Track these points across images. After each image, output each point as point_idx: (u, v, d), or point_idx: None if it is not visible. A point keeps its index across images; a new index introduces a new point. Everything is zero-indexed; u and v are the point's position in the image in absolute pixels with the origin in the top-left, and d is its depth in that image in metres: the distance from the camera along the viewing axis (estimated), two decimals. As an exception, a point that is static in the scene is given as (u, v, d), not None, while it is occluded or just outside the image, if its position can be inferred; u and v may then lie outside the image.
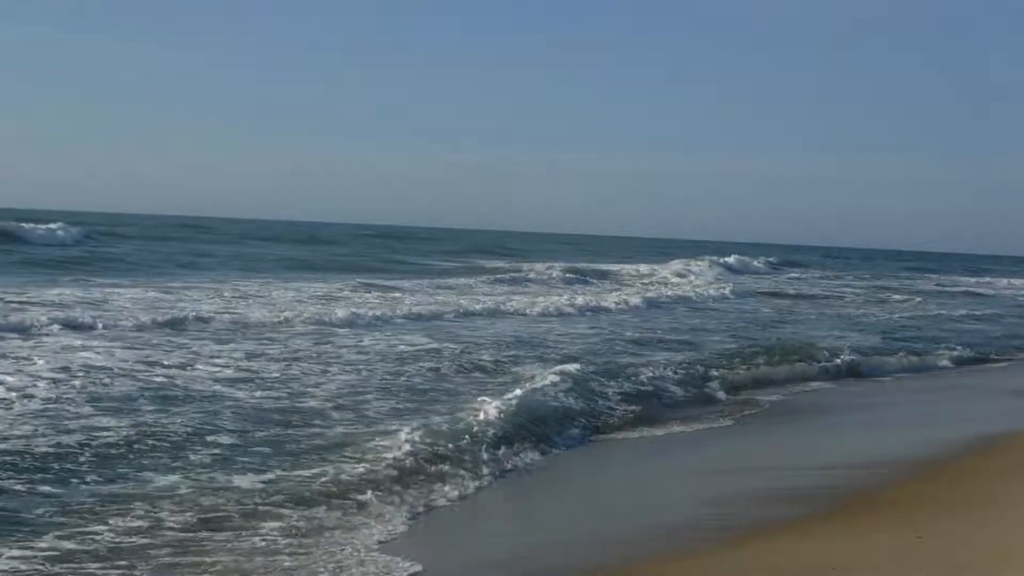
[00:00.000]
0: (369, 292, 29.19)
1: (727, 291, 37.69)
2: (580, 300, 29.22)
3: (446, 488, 9.25)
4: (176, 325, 18.17)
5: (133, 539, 7.44)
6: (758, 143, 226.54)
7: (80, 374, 12.76)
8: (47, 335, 16.06)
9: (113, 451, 9.55)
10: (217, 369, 13.96)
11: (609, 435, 12.48)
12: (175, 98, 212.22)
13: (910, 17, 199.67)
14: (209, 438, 10.21)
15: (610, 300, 30.09)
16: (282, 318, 19.95)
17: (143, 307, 20.55)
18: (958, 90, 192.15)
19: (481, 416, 11.32)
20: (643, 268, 50.10)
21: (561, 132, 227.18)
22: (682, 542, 7.89)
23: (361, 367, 14.95)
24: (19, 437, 9.71)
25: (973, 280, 63.77)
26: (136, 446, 9.73)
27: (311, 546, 7.52)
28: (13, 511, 7.82)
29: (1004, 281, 63.62)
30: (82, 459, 9.21)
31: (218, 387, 12.74)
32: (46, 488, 8.39)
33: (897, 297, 42.21)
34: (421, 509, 8.66)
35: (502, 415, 11.45)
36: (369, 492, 8.71)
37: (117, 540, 7.39)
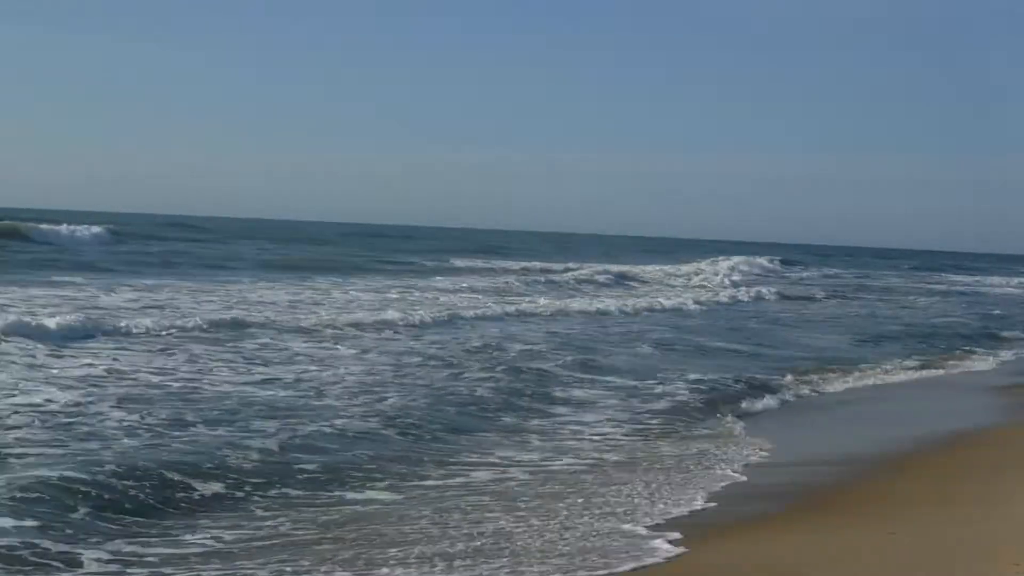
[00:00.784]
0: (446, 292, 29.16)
1: (766, 292, 38.03)
2: (638, 302, 29.79)
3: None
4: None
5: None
6: (757, 143, 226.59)
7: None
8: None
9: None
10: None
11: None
12: (175, 98, 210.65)
13: (910, 17, 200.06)
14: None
15: (670, 301, 30.77)
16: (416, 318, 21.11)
17: (278, 310, 21.51)
18: (958, 90, 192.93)
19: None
20: (669, 269, 50.12)
21: (561, 132, 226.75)
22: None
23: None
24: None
25: (972, 279, 64.15)
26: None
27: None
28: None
29: (993, 279, 64.29)
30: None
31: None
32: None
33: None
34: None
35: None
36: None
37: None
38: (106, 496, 8.10)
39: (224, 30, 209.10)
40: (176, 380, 13.05)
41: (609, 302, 29.00)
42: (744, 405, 14.06)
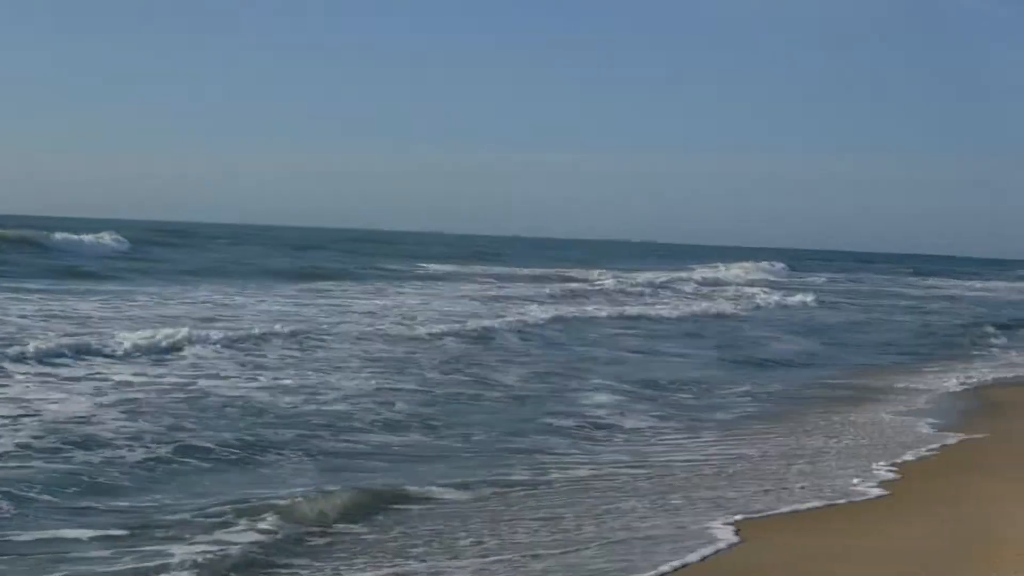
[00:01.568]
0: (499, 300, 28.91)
1: (809, 300, 37.97)
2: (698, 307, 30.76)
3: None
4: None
5: None
6: (756, 144, 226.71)
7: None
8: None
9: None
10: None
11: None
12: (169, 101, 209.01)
13: (907, 19, 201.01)
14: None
15: (728, 306, 31.63)
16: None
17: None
18: (957, 91, 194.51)
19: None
20: (701, 275, 50.01)
21: (560, 134, 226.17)
22: None
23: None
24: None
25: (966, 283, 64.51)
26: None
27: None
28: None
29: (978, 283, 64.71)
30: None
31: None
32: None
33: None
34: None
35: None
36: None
37: None
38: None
39: (225, 30, 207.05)
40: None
41: (725, 305, 32.02)
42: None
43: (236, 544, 7.08)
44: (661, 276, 44.13)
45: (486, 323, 21.43)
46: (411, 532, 7.64)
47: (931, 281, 65.99)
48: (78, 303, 21.86)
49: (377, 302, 26.67)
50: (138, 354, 14.78)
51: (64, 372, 13.20)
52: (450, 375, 15.30)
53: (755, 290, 41.34)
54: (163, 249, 47.90)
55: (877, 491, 9.19)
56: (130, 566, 6.65)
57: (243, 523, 7.52)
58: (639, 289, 38.07)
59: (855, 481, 9.50)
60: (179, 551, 6.89)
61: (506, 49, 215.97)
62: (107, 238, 45.48)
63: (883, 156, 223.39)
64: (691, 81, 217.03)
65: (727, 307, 31.96)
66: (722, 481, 9.52)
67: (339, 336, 18.17)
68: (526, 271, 48.18)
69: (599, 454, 10.67)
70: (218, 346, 15.83)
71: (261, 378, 13.73)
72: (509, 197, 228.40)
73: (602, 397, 14.06)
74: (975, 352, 23.00)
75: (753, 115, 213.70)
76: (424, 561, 6.98)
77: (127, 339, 15.36)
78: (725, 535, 7.69)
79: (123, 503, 8.03)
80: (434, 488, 8.76)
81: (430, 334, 19.21)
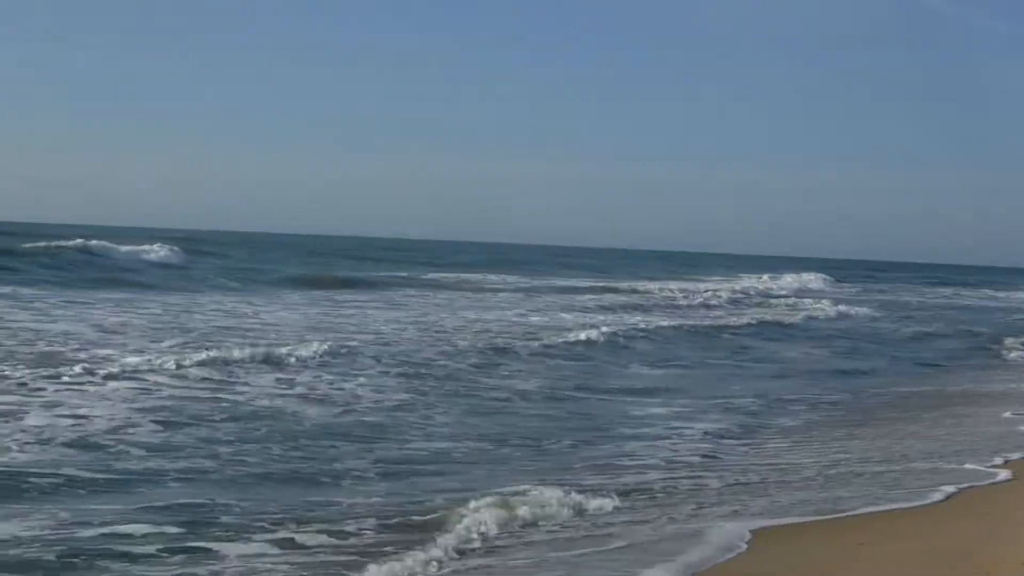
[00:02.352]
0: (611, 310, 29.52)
1: (865, 311, 38.71)
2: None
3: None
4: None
5: None
6: (753, 151, 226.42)
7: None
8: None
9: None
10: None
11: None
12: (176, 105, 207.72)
13: (899, 25, 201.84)
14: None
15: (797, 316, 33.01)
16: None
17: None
18: (958, 102, 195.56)
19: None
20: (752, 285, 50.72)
21: (560, 139, 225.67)
22: None
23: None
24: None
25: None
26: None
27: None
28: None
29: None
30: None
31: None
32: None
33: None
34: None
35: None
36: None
37: None
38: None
39: (224, 31, 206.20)
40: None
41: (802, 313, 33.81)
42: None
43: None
44: (721, 286, 44.60)
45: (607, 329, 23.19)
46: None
47: (954, 290, 67.04)
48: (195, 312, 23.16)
49: (467, 315, 27.25)
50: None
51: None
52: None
53: (818, 302, 42.03)
54: (215, 259, 48.19)
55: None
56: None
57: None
58: (708, 299, 39.07)
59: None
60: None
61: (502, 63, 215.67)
62: (161, 250, 45.52)
63: (893, 164, 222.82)
64: (690, 86, 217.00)
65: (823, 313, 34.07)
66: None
67: (521, 352, 19.08)
68: (565, 282, 48.74)
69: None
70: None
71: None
72: (509, 204, 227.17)
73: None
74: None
75: (751, 121, 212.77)
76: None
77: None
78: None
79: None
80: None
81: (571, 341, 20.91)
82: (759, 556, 7.41)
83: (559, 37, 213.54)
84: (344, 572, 6.92)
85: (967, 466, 10.59)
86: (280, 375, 14.80)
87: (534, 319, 26.83)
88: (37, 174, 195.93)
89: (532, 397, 14.83)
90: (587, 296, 38.95)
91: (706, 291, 42.90)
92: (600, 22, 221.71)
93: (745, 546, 7.58)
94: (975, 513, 8.81)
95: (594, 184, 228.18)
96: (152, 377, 13.72)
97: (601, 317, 28.40)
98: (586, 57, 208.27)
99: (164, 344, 17.08)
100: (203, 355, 15.34)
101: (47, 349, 15.74)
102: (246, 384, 13.99)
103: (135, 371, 13.91)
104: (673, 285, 45.72)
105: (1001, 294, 63.84)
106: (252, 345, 16.84)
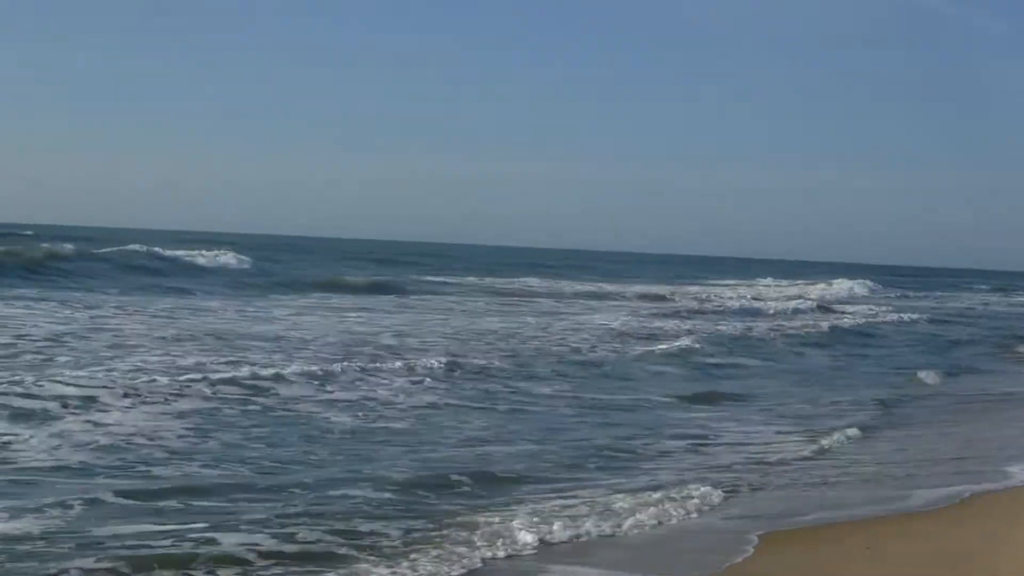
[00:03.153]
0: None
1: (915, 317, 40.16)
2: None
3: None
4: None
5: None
6: (757, 153, 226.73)
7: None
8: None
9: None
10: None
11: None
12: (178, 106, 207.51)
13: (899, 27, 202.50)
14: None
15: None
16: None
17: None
18: (958, 102, 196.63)
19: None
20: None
21: (560, 139, 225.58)
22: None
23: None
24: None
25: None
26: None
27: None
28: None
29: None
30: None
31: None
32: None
33: None
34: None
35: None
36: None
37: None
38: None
39: (224, 31, 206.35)
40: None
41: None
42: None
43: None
44: (770, 291, 46.21)
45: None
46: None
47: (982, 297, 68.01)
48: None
49: (548, 320, 28.40)
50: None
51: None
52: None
53: (875, 308, 43.35)
54: (281, 266, 49.55)
55: None
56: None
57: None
58: (799, 305, 41.29)
59: None
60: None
61: (501, 63, 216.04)
62: (230, 257, 46.68)
63: (892, 164, 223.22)
64: (690, 86, 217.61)
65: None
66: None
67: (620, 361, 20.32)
68: (612, 287, 49.87)
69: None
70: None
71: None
72: (513, 207, 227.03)
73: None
74: None
75: (750, 122, 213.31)
76: None
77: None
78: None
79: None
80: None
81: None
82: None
83: (559, 37, 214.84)
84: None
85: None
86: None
87: (627, 323, 28.18)
88: (37, 174, 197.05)
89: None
90: (651, 303, 40.47)
91: (797, 296, 44.51)
92: (600, 22, 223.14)
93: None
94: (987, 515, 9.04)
95: (594, 184, 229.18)
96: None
97: (687, 325, 28.97)
98: (586, 57, 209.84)
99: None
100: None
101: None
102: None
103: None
104: (729, 292, 47.22)
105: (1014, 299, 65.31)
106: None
